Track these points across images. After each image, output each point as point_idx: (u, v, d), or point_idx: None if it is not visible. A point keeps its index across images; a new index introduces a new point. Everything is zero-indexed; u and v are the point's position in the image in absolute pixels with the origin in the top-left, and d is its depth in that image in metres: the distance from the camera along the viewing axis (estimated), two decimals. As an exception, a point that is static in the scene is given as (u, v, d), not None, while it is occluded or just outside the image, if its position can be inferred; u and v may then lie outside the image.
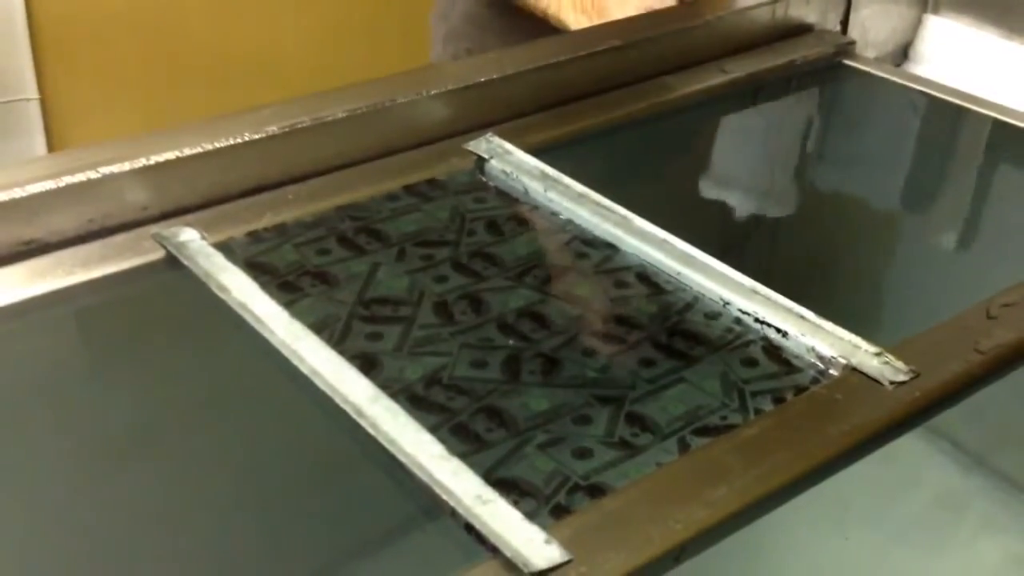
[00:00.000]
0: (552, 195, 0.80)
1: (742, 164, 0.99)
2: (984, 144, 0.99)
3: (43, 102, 1.96)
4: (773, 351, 0.66)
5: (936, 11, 1.13)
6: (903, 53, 1.15)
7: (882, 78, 1.05)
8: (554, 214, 0.79)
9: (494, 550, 0.50)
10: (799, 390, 0.62)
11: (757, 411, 0.61)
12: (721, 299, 0.70)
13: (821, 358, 0.65)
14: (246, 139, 0.78)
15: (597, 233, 0.77)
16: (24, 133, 1.96)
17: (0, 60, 1.90)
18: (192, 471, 0.61)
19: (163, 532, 0.57)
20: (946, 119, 1.03)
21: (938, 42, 1.13)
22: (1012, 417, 0.82)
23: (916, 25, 1.14)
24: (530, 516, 0.52)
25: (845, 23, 1.10)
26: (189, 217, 0.76)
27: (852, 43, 1.08)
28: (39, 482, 0.60)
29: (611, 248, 0.76)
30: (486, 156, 0.84)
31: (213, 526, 0.58)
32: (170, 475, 0.61)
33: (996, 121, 0.97)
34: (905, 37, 1.14)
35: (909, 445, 0.81)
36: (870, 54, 1.10)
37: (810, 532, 0.77)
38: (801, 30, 1.08)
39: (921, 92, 1.03)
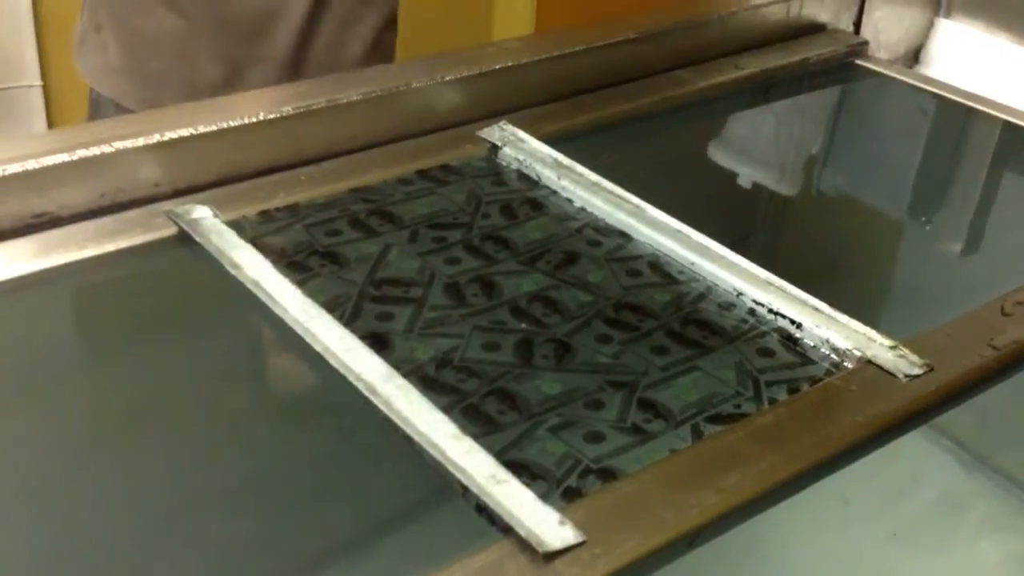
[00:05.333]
0: (565, 183, 0.80)
1: (754, 159, 0.99)
2: (995, 145, 0.99)
3: (45, 88, 1.96)
4: (788, 342, 0.66)
5: (948, 15, 1.13)
6: (915, 56, 1.15)
7: (894, 78, 1.05)
8: (568, 201, 0.79)
9: (506, 530, 0.50)
10: (814, 381, 0.62)
11: (771, 401, 0.61)
12: (735, 290, 0.70)
13: (836, 350, 0.64)
14: (261, 119, 0.78)
15: (610, 222, 0.77)
16: (26, 119, 1.96)
17: (4, 47, 1.90)
18: (203, 447, 0.61)
19: (174, 508, 0.57)
20: (958, 120, 1.03)
21: (950, 46, 1.13)
22: (1016, 417, 0.82)
23: (928, 28, 1.14)
24: (541, 499, 0.51)
25: (858, 24, 1.10)
26: (201, 195, 0.76)
27: (865, 43, 1.08)
28: (48, 456, 0.60)
29: (624, 237, 0.76)
30: (499, 143, 0.84)
31: (224, 502, 0.58)
32: (181, 452, 0.60)
33: (1007, 123, 0.97)
34: (917, 40, 1.14)
35: (913, 443, 0.81)
36: (882, 55, 1.10)
37: (812, 527, 0.77)
38: (814, 29, 1.09)
39: (933, 93, 1.03)
